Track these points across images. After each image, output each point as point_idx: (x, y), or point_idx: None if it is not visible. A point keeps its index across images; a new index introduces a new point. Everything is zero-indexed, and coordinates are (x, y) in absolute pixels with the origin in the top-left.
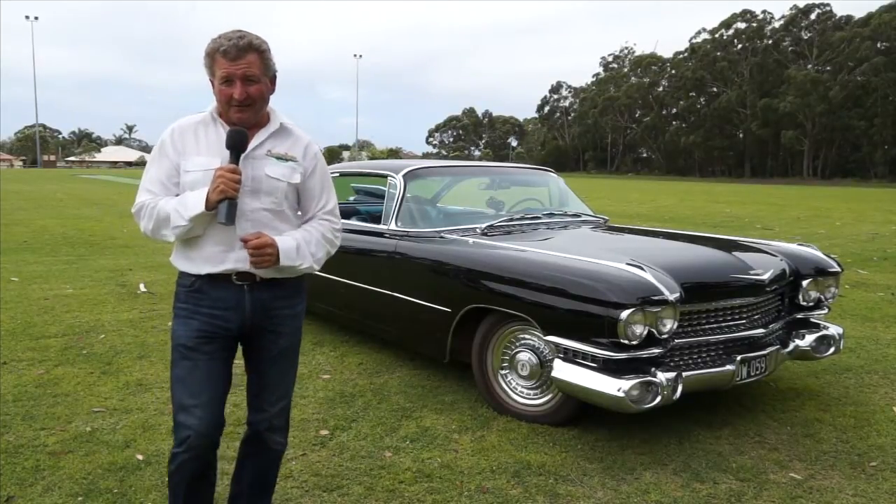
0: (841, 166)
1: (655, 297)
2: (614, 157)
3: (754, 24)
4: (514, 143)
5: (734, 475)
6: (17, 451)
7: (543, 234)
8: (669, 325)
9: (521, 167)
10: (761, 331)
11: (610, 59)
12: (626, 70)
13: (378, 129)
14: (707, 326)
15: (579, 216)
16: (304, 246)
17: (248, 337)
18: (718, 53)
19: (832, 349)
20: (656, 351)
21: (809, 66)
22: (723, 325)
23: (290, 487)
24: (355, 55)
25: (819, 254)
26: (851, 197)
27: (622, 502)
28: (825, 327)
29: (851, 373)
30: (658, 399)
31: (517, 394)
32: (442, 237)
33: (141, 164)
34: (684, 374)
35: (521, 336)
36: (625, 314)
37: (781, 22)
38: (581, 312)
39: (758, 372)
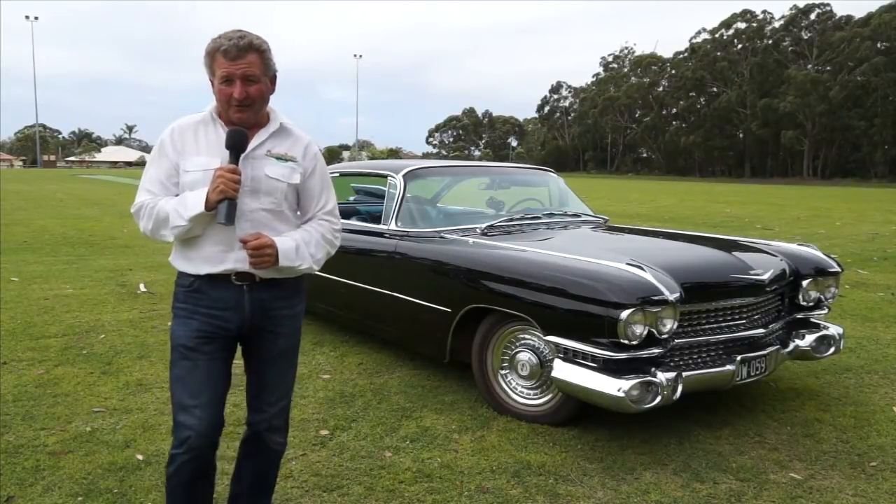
0: (841, 166)
1: (655, 297)
2: (614, 157)
3: (754, 24)
4: (514, 143)
5: (734, 475)
6: (17, 451)
7: (543, 234)
8: (669, 325)
9: (521, 167)
10: (761, 331)
11: (610, 59)
12: (626, 70)
13: (378, 129)
14: (707, 326)
15: (579, 216)
16: (303, 247)
17: (248, 337)
18: (718, 53)
19: (832, 349)
20: (656, 351)
21: (809, 66)
22: (723, 325)
23: (290, 487)
24: (355, 55)
25: (819, 254)
26: (851, 197)
27: (622, 502)
28: (825, 327)
29: (851, 373)
30: (658, 399)
31: (517, 394)
32: (442, 237)
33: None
34: (684, 374)
35: (521, 336)
36: (625, 314)
37: (781, 22)
38: (581, 312)
39: (758, 372)
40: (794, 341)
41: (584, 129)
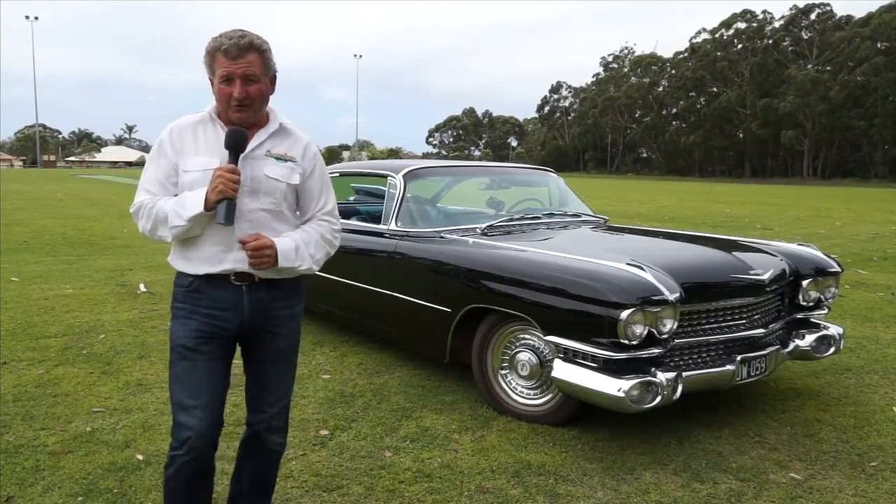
0: (841, 166)
1: (655, 297)
2: (614, 157)
3: (754, 24)
4: (514, 143)
5: (734, 475)
6: (17, 451)
7: (543, 234)
8: (669, 325)
9: (521, 167)
10: (761, 331)
11: (610, 59)
12: (626, 70)
13: (378, 129)
14: (707, 326)
15: (579, 216)
16: (302, 247)
17: (247, 337)
18: (718, 53)
19: (832, 349)
20: (656, 351)
21: (809, 66)
22: (723, 325)
23: (290, 487)
24: (355, 55)
25: (819, 254)
26: (851, 197)
27: (622, 502)
28: (825, 327)
29: (851, 373)
30: (658, 399)
31: (517, 394)
32: (442, 237)
33: (141, 164)
34: (684, 374)
35: (521, 336)
36: (625, 314)
37: (781, 22)
38: (581, 312)
39: (758, 372)
40: (794, 341)
41: (584, 129)
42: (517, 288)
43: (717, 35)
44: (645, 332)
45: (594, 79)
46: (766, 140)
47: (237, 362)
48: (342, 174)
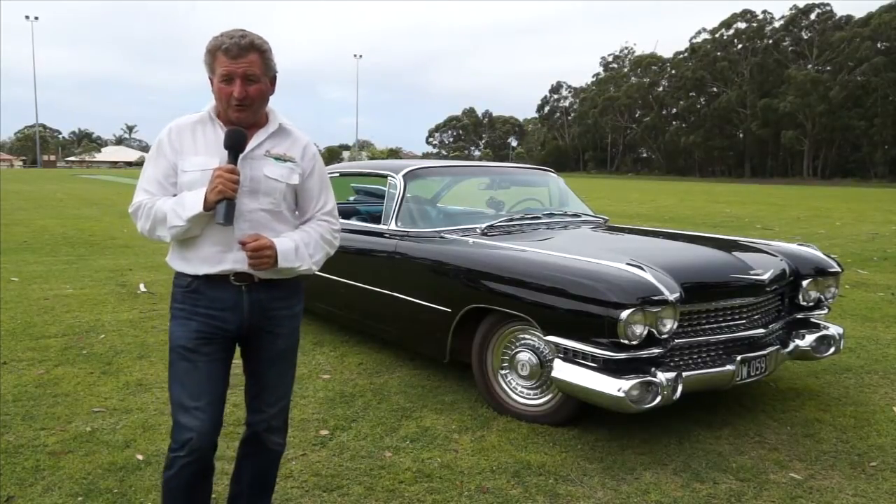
0: (841, 166)
1: (655, 297)
2: (614, 157)
3: (754, 24)
4: (514, 143)
5: (734, 475)
6: (17, 451)
7: (543, 234)
8: (669, 325)
9: (521, 167)
10: (761, 331)
11: (610, 59)
12: (626, 70)
13: (378, 129)
14: (707, 326)
15: (579, 216)
16: (302, 248)
17: (247, 338)
18: (718, 53)
19: (832, 349)
20: (656, 351)
21: (809, 66)
22: (723, 325)
23: (290, 487)
24: (355, 55)
25: (819, 254)
26: (851, 197)
27: (622, 502)
28: (825, 327)
29: (851, 373)
30: (658, 399)
31: (517, 394)
32: (442, 237)
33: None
34: (684, 374)
35: (521, 336)
36: (625, 314)
37: (781, 22)
38: (581, 312)
39: (758, 372)
40: (794, 341)
41: (584, 129)
42: (517, 288)
43: (717, 35)
44: (645, 332)
45: (594, 79)
46: (766, 140)
47: (237, 362)
48: (342, 174)
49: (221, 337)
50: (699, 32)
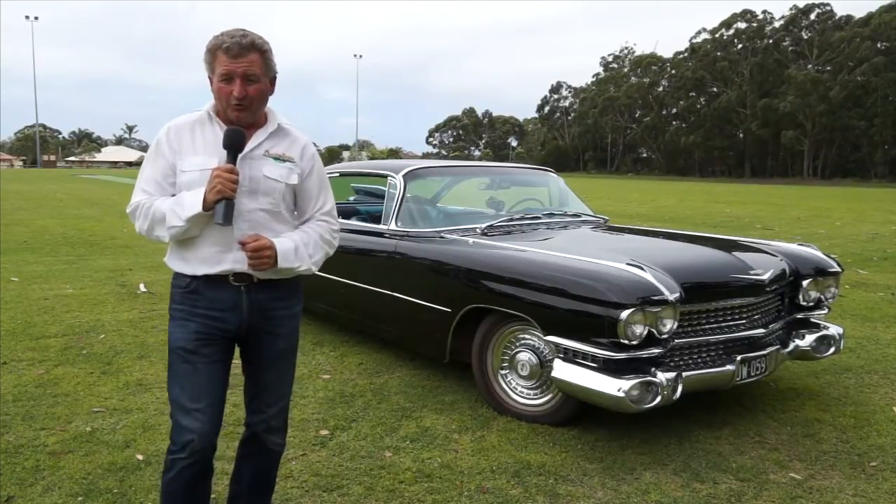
0: (841, 166)
1: (655, 297)
2: (614, 157)
3: (754, 24)
4: (514, 143)
5: (734, 475)
6: (17, 451)
7: (543, 234)
8: (669, 325)
9: (521, 167)
10: (761, 331)
11: (610, 59)
12: (626, 70)
13: (378, 129)
14: (707, 326)
15: (579, 216)
16: (302, 248)
17: (246, 338)
18: (718, 53)
19: (832, 349)
20: (656, 351)
21: (809, 66)
22: (723, 325)
23: (290, 487)
24: (355, 55)
25: (819, 254)
26: (851, 197)
27: (622, 502)
28: (825, 327)
29: (851, 373)
30: (658, 399)
31: (517, 394)
32: (442, 237)
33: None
34: (684, 374)
35: (521, 336)
36: (625, 314)
37: (781, 22)
38: (581, 312)
39: (758, 372)
40: (794, 341)
41: (584, 129)
42: (517, 288)
43: (717, 35)
44: (645, 332)
45: (594, 79)
46: (766, 140)
47: (236, 362)
48: (342, 174)
49: (221, 338)
50: (699, 32)
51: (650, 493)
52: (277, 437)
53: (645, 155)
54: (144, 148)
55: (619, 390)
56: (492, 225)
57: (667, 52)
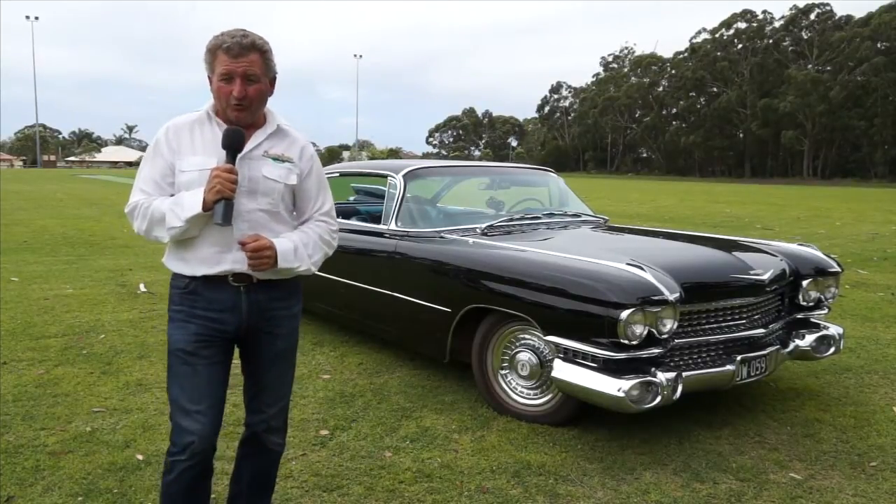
0: (841, 166)
1: (655, 297)
2: (614, 157)
3: (754, 24)
4: (514, 143)
5: (734, 475)
6: (17, 451)
7: (543, 234)
8: (669, 325)
9: (521, 167)
10: (761, 331)
11: (610, 59)
12: (626, 70)
13: (378, 129)
14: (707, 326)
15: (579, 216)
16: (301, 248)
17: (245, 339)
18: (718, 53)
19: (832, 349)
20: (656, 351)
21: (809, 66)
22: (723, 325)
23: (290, 487)
24: (355, 55)
25: (819, 254)
26: (851, 197)
27: (622, 502)
28: (825, 327)
29: (851, 373)
30: (658, 399)
31: (517, 394)
32: (442, 237)
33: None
34: (684, 374)
35: (521, 336)
36: (625, 314)
37: (781, 22)
38: (581, 312)
39: (758, 372)
40: (794, 341)
41: (584, 129)
42: (517, 288)
43: (717, 35)
44: (645, 332)
45: (594, 79)
46: (766, 140)
47: (236, 362)
48: (342, 174)
49: (221, 339)
50: (699, 32)
51: (650, 493)
52: (277, 437)
53: (645, 155)
54: (144, 148)
55: (619, 390)
56: (492, 225)
57: (667, 52)
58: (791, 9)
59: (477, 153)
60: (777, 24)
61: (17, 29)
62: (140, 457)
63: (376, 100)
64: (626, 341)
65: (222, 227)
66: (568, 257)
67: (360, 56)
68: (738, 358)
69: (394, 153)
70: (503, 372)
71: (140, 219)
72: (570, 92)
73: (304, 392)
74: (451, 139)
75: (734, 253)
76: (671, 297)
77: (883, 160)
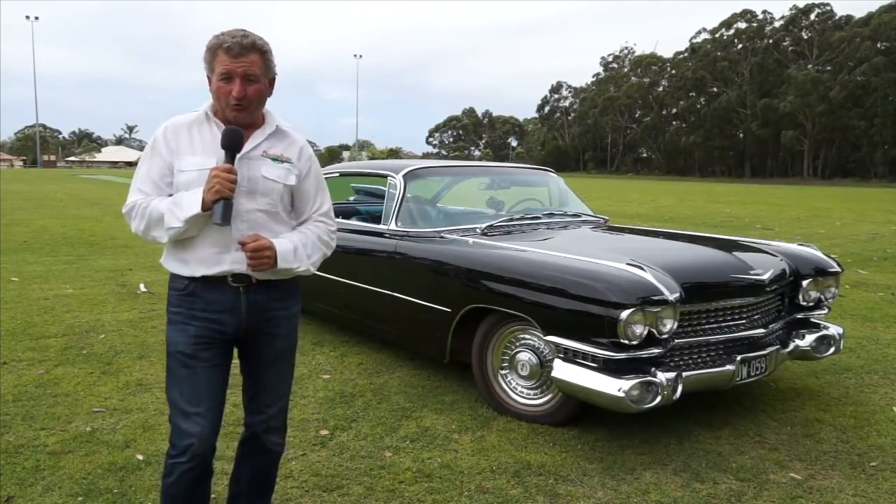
0: (841, 166)
1: (655, 297)
2: (614, 157)
3: (755, 24)
4: (514, 143)
5: (734, 475)
6: (17, 451)
7: (543, 234)
8: (669, 325)
9: (521, 167)
10: (761, 331)
11: (610, 59)
12: (626, 70)
13: (378, 129)
14: (707, 326)
15: (579, 216)
16: (300, 249)
17: (245, 339)
18: (718, 53)
19: (832, 349)
20: (656, 351)
21: (809, 66)
22: (723, 325)
23: (290, 487)
24: (355, 55)
25: (819, 254)
26: (851, 197)
27: (622, 502)
28: (825, 327)
29: (851, 373)
30: (658, 399)
31: (517, 394)
32: (442, 237)
33: None
34: (684, 374)
35: (521, 336)
36: (625, 314)
37: (782, 22)
38: (581, 312)
39: (758, 372)
40: (794, 341)
41: (584, 129)
42: (517, 288)
43: (717, 35)
44: (645, 332)
45: (594, 79)
46: (766, 140)
47: (235, 362)
48: (342, 174)
49: (220, 341)
50: (699, 32)
51: (650, 493)
52: (277, 437)
53: (645, 155)
54: (144, 148)
55: (619, 390)
56: (492, 225)
57: (667, 52)
58: (791, 9)
59: (477, 153)
60: (777, 24)
61: (17, 29)
62: (140, 457)
63: (376, 100)
64: (626, 341)
65: (221, 228)
66: (568, 257)
67: (360, 56)
68: (738, 358)
69: (394, 153)
70: (503, 372)
71: (138, 219)
72: (570, 92)
73: (304, 392)
74: (451, 139)
75: (734, 253)
76: (671, 297)
77: (883, 160)
